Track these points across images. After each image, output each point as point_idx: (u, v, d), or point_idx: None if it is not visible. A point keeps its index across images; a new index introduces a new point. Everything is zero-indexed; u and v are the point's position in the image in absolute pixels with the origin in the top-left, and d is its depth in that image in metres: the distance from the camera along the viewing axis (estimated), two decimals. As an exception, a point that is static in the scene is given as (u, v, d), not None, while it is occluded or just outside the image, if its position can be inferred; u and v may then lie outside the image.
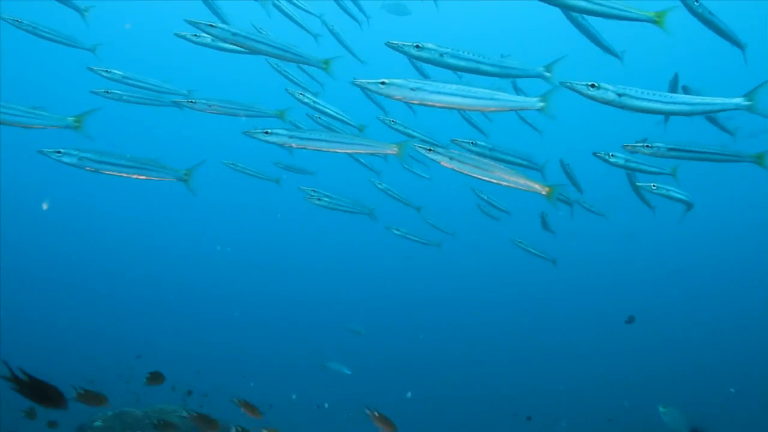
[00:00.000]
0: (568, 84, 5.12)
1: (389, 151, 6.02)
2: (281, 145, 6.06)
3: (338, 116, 9.59)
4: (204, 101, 7.48)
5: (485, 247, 29.73)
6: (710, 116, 8.93)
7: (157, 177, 5.74)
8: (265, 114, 7.94)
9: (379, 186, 11.50)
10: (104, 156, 5.51)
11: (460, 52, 5.51)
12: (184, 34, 7.25)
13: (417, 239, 12.32)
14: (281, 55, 6.39)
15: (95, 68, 8.23)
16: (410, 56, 5.53)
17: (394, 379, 22.24)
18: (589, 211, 11.54)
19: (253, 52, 6.37)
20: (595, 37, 8.53)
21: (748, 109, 5.12)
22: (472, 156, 5.72)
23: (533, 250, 12.01)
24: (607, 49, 9.06)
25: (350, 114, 9.65)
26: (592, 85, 5.01)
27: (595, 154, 6.95)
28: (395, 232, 12.04)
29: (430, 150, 5.58)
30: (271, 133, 5.97)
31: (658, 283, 33.59)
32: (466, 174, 5.67)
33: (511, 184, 5.67)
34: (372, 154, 6.41)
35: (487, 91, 5.20)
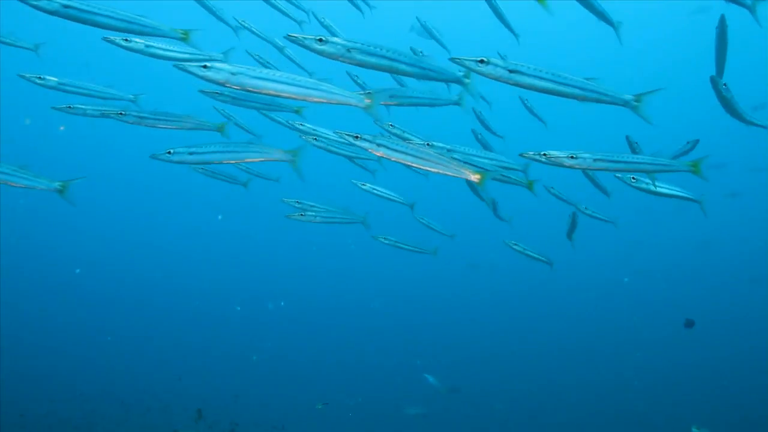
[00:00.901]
0: (458, 60, 5.05)
1: (284, 159, 6.21)
2: (183, 163, 6.18)
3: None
4: (135, 113, 7.16)
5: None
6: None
7: (29, 185, 5.76)
8: (204, 127, 7.59)
9: (362, 187, 10.53)
10: None
11: (371, 48, 5.16)
12: (113, 38, 6.76)
13: (409, 248, 11.45)
14: (127, 27, 5.87)
15: (26, 75, 7.61)
16: (313, 51, 5.12)
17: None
18: (591, 217, 10.71)
19: (96, 26, 5.79)
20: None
21: (634, 109, 5.30)
22: (401, 142, 5.71)
23: (530, 253, 11.07)
24: (602, 16, 8.48)
25: (347, 116, 9.11)
26: (482, 61, 4.96)
27: (522, 155, 6.20)
28: (383, 241, 11.16)
29: (356, 137, 5.64)
30: (173, 153, 6.12)
31: (735, 291, 31.51)
32: (396, 161, 5.69)
33: (442, 171, 5.67)
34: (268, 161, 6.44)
35: (312, 80, 5.17)
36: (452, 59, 5.06)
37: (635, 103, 5.28)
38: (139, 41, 6.76)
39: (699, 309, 26.11)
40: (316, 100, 5.17)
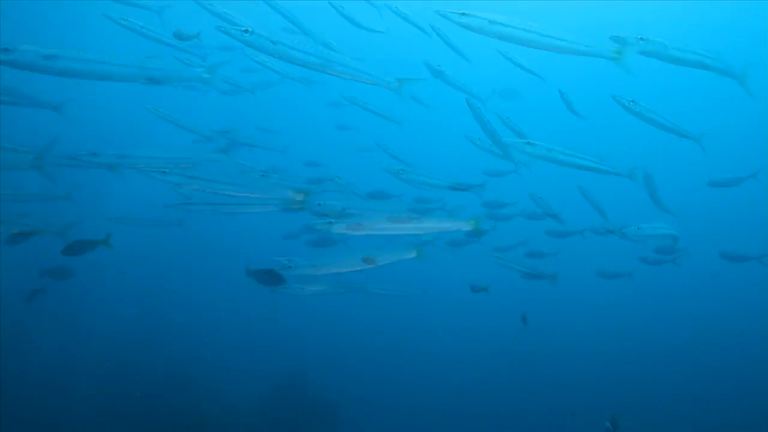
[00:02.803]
0: (223, 29, 4.89)
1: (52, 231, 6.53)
2: None
3: None
4: None
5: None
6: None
7: None
8: None
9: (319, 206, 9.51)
10: None
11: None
12: None
13: (394, 293, 10.45)
14: None
15: None
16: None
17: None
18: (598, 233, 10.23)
19: None
20: None
21: (395, 91, 5.44)
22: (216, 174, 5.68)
23: (519, 267, 9.67)
24: None
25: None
26: (246, 31, 4.83)
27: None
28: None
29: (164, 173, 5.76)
30: None
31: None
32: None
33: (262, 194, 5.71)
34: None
35: None
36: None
37: (396, 86, 5.42)
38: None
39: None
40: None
